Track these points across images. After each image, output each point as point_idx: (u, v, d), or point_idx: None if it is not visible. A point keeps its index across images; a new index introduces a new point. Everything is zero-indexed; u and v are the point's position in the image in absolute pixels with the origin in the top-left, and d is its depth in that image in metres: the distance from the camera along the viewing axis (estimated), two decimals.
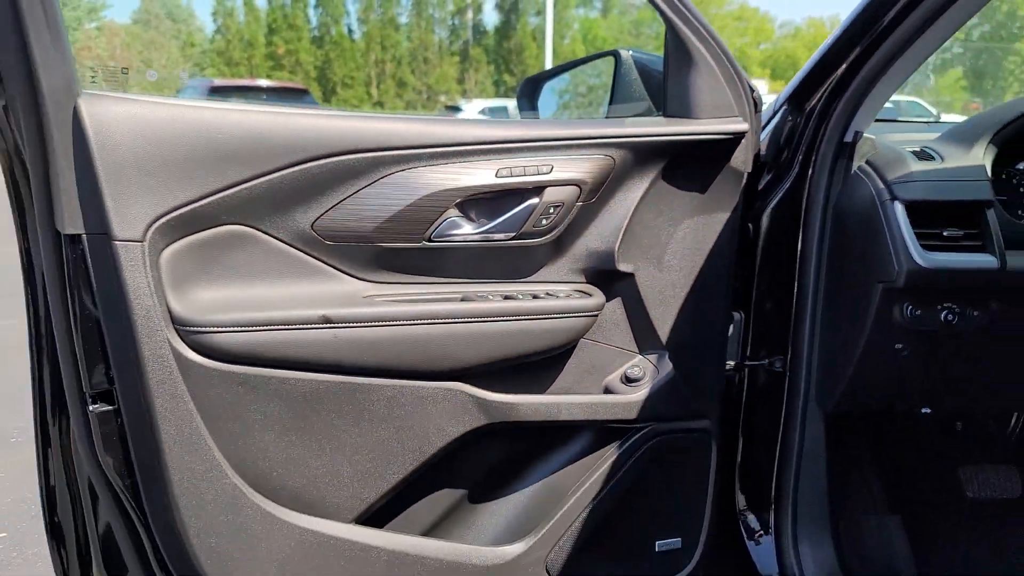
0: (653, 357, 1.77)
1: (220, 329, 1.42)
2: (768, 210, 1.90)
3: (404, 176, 1.52)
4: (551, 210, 1.59)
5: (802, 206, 1.88)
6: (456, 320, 1.54)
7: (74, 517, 1.59)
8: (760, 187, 1.94)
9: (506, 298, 1.61)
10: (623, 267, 1.68)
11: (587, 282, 1.71)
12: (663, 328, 1.75)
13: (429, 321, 1.52)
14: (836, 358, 1.89)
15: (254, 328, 1.43)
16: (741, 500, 2.01)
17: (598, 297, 1.66)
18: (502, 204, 1.59)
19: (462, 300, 1.59)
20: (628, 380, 1.74)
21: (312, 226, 1.50)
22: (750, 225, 1.89)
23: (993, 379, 1.93)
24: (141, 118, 1.36)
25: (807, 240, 1.88)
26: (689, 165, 1.69)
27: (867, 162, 1.82)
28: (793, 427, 1.96)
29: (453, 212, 1.56)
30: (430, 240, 1.56)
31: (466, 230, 1.58)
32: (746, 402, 1.99)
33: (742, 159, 1.71)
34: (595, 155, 1.61)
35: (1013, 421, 2.29)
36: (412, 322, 1.52)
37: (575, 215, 1.62)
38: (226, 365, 1.43)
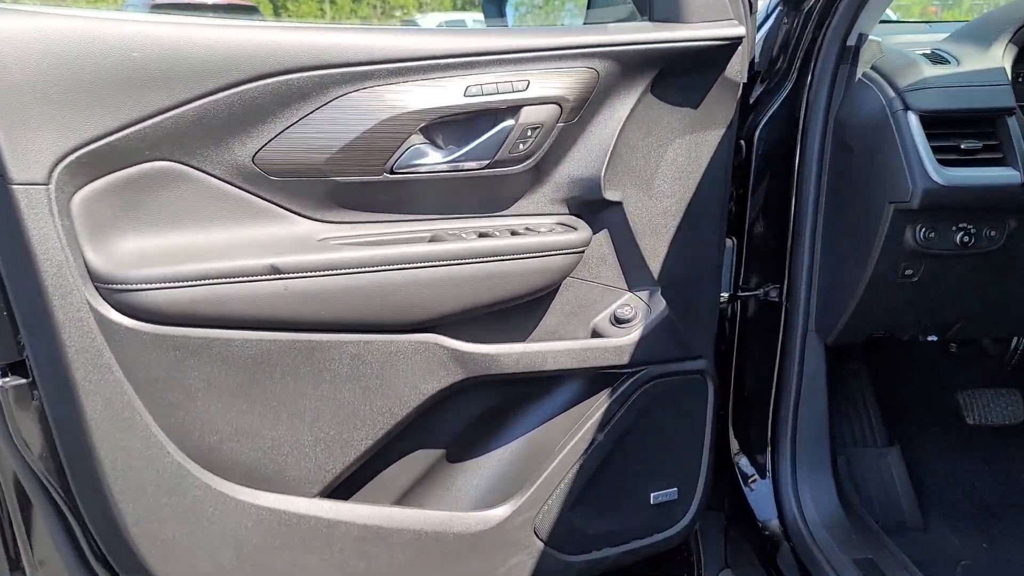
0: (644, 294, 1.59)
1: (149, 285, 1.20)
2: (762, 125, 1.71)
3: (359, 98, 1.30)
4: (529, 133, 1.38)
5: (800, 119, 1.70)
6: (425, 264, 1.34)
7: None
8: (752, 100, 1.75)
9: (481, 236, 1.41)
10: (610, 195, 1.49)
11: (570, 213, 1.51)
12: (654, 261, 1.57)
13: (394, 267, 1.32)
14: (838, 286, 1.73)
15: (190, 283, 1.22)
16: (735, 443, 1.86)
17: (583, 231, 1.47)
18: (473, 127, 1.38)
19: (431, 240, 1.39)
20: (618, 321, 1.56)
21: (253, 159, 1.28)
22: (742, 142, 1.70)
23: (1004, 302, 1.79)
24: (40, 33, 1.12)
25: (805, 157, 1.70)
26: (680, 76, 1.49)
27: (873, 68, 1.64)
28: (791, 361, 1.80)
29: (417, 138, 1.35)
30: (391, 172, 1.35)
31: (433, 159, 1.37)
32: (739, 336, 1.83)
33: (738, 68, 1.52)
34: (576, 67, 1.40)
35: (1013, 344, 2.17)
36: (375, 268, 1.31)
37: (555, 138, 1.42)
38: (159, 327, 1.22)
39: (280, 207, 1.34)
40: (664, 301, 1.59)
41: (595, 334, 1.57)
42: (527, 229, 1.45)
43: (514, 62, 1.36)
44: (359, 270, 1.30)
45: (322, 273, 1.28)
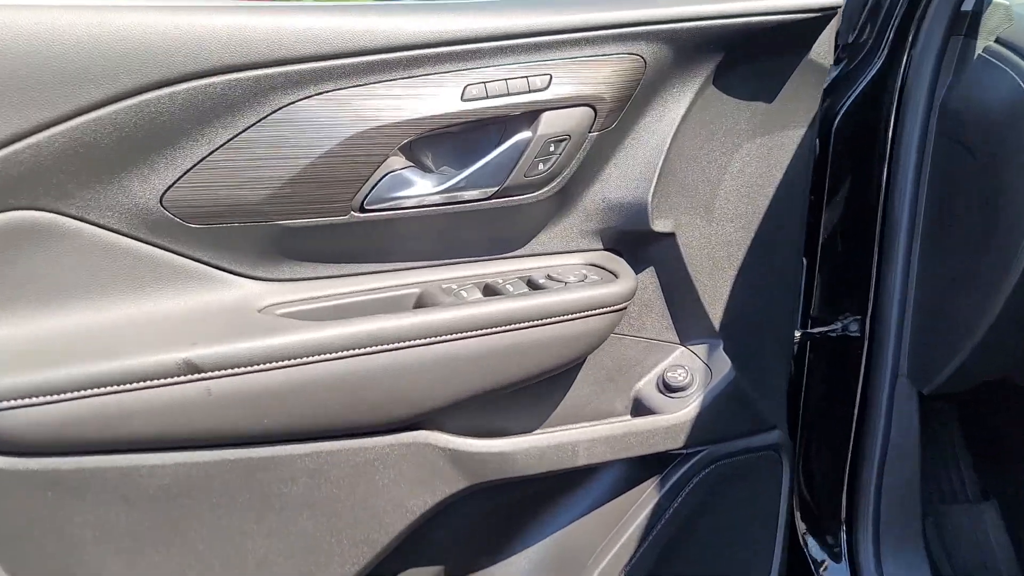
0: (702, 349, 1.21)
1: (8, 402, 0.81)
2: (840, 116, 1.32)
3: (311, 107, 0.91)
4: (551, 148, 0.99)
5: (892, 108, 1.30)
6: (411, 344, 0.95)
7: None
8: (825, 83, 1.35)
9: (488, 291, 1.03)
10: (660, 225, 1.10)
11: (605, 248, 1.12)
12: (715, 306, 1.19)
13: (369, 349, 0.93)
14: (944, 320, 1.34)
15: (65, 395, 0.82)
16: (801, 523, 1.49)
17: (626, 277, 1.09)
18: (474, 143, 1.00)
19: (419, 303, 1.01)
20: (669, 388, 1.18)
21: (161, 200, 0.90)
22: (817, 140, 1.31)
23: None
24: None
25: (899, 157, 1.31)
26: (752, 61, 1.10)
27: (999, 40, 1.24)
28: (875, 414, 1.42)
29: (397, 161, 0.96)
30: (361, 209, 0.96)
31: (419, 189, 0.98)
32: (807, 383, 1.45)
33: (825, 47, 1.13)
34: (616, 54, 1.01)
35: None
36: (340, 354, 0.92)
37: (587, 151, 1.02)
38: (20, 461, 0.83)
39: (204, 264, 0.94)
40: (728, 359, 1.20)
41: (639, 405, 1.19)
42: (549, 278, 1.06)
43: (530, 50, 0.97)
44: (317, 358, 0.91)
45: (263, 367, 0.89)
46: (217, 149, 0.89)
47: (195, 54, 0.85)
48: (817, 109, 1.17)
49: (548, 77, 0.98)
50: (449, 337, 0.96)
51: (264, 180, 0.91)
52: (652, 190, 1.08)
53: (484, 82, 0.95)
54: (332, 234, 0.97)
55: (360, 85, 0.91)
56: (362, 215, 0.96)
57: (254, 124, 0.90)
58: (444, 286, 1.03)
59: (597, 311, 1.04)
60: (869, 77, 1.31)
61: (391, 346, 0.94)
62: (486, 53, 0.95)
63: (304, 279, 1.00)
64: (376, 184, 0.96)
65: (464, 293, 1.01)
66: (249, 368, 0.88)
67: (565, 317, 1.02)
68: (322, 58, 0.89)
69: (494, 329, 0.99)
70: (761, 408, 1.25)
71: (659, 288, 1.18)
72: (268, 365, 0.89)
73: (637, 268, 1.15)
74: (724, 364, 1.20)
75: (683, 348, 1.22)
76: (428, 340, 0.95)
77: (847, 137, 1.32)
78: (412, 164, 0.98)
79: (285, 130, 0.90)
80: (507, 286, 1.04)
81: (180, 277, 0.93)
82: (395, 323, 0.94)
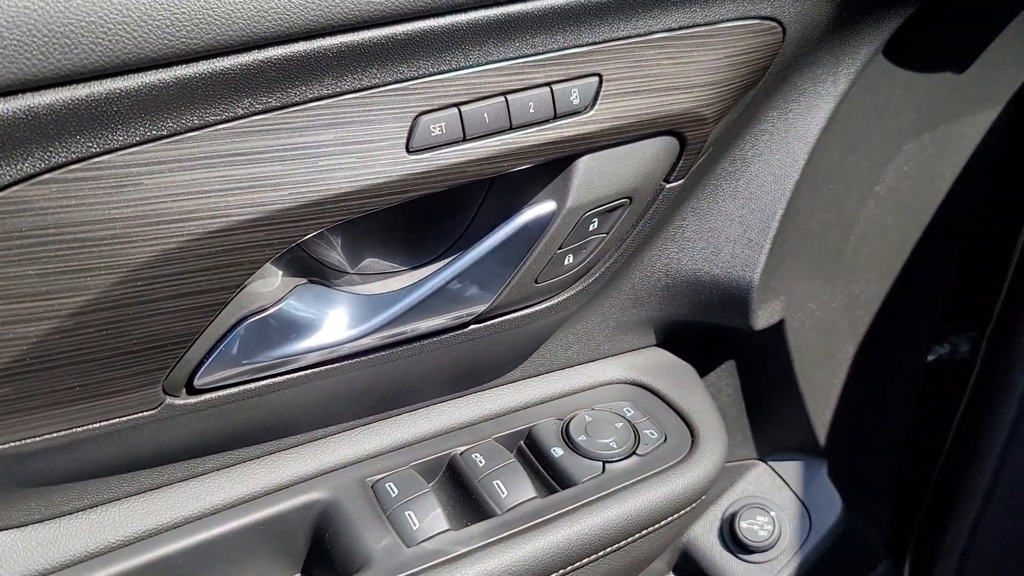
0: (792, 470, 0.75)
1: None
2: None
3: (60, 191, 0.36)
4: (593, 225, 0.47)
5: None
6: None
7: None
8: None
9: (451, 483, 0.54)
10: (765, 317, 0.61)
11: (658, 344, 0.63)
12: (820, 409, 0.72)
13: None
14: None
15: None
16: None
17: (711, 439, 0.60)
18: (436, 227, 0.46)
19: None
20: (740, 545, 0.72)
21: None
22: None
23: None
24: None
25: None
26: (947, 17, 0.57)
27: None
28: (985, 459, 0.98)
29: (266, 288, 0.43)
30: (191, 390, 0.43)
31: (324, 334, 0.46)
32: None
33: None
34: (732, 21, 0.47)
35: None
36: None
37: (659, 215, 0.51)
38: None
39: None
40: (833, 488, 0.75)
41: (690, 567, 0.73)
42: (566, 440, 0.57)
43: (552, 26, 0.42)
44: None
45: None
46: None
47: None
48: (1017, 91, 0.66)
49: (594, 82, 0.44)
50: None
51: None
52: (763, 260, 0.58)
53: (457, 105, 0.41)
54: (121, 442, 0.45)
55: (177, 137, 0.37)
56: (191, 400, 0.44)
57: None
58: (375, 480, 0.53)
59: (661, 524, 0.56)
60: None
61: None
62: (461, 41, 0.40)
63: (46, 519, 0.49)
64: (225, 338, 0.43)
65: (413, 516, 0.51)
66: None
67: (604, 551, 0.55)
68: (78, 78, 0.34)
69: None
70: (872, 544, 0.81)
71: (737, 387, 0.70)
72: None
73: (709, 367, 0.66)
74: (827, 496, 0.75)
75: (763, 466, 0.75)
76: None
77: None
78: (319, 277, 0.46)
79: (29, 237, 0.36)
80: (478, 460, 0.55)
81: None
82: None
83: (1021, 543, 0.85)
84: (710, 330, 0.64)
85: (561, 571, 0.53)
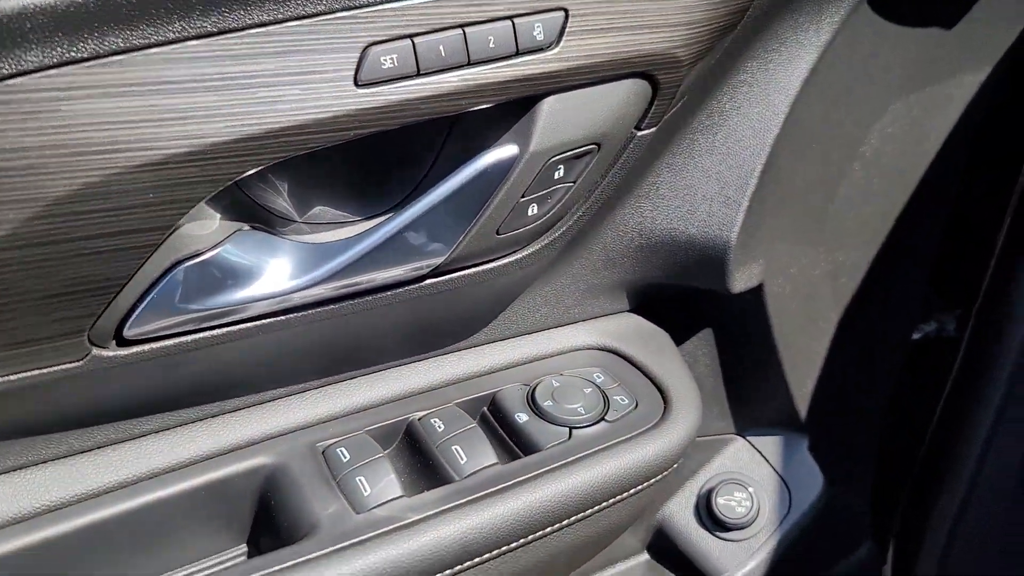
0: (771, 444, 0.72)
1: None
2: None
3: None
4: (558, 172, 0.44)
5: None
6: None
7: None
8: None
9: (407, 450, 0.51)
10: (743, 279, 0.58)
11: (631, 309, 0.61)
12: (801, 379, 0.70)
13: None
14: None
15: None
16: None
17: (684, 403, 0.57)
18: (387, 171, 0.45)
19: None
20: (719, 523, 0.70)
21: None
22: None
23: None
24: None
25: None
26: None
27: None
28: (971, 444, 0.96)
29: (203, 229, 0.40)
30: (121, 341, 0.40)
31: (264, 283, 0.42)
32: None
33: None
34: None
35: None
36: None
37: (630, 165, 0.48)
38: None
39: None
40: (814, 462, 0.72)
41: (666, 544, 0.71)
42: (531, 405, 0.54)
43: None
44: None
45: None
46: None
47: None
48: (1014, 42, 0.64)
49: (560, 16, 0.41)
50: None
51: None
52: (740, 219, 0.55)
53: (410, 36, 0.38)
54: (46, 398, 0.42)
55: (99, 60, 0.34)
56: (121, 351, 0.42)
57: None
58: (327, 445, 0.50)
59: (630, 492, 0.54)
60: None
61: None
62: None
63: None
64: (157, 284, 0.40)
65: (365, 482, 0.48)
66: None
67: (568, 520, 0.52)
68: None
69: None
70: (854, 529, 0.79)
71: (715, 357, 0.67)
72: None
73: (685, 334, 0.64)
74: (808, 471, 0.72)
75: (741, 440, 0.73)
76: None
77: None
78: (247, 224, 0.43)
79: None
80: (437, 425, 0.52)
81: None
82: None
83: (1008, 523, 0.83)
84: (686, 295, 0.62)
85: (522, 540, 0.50)
